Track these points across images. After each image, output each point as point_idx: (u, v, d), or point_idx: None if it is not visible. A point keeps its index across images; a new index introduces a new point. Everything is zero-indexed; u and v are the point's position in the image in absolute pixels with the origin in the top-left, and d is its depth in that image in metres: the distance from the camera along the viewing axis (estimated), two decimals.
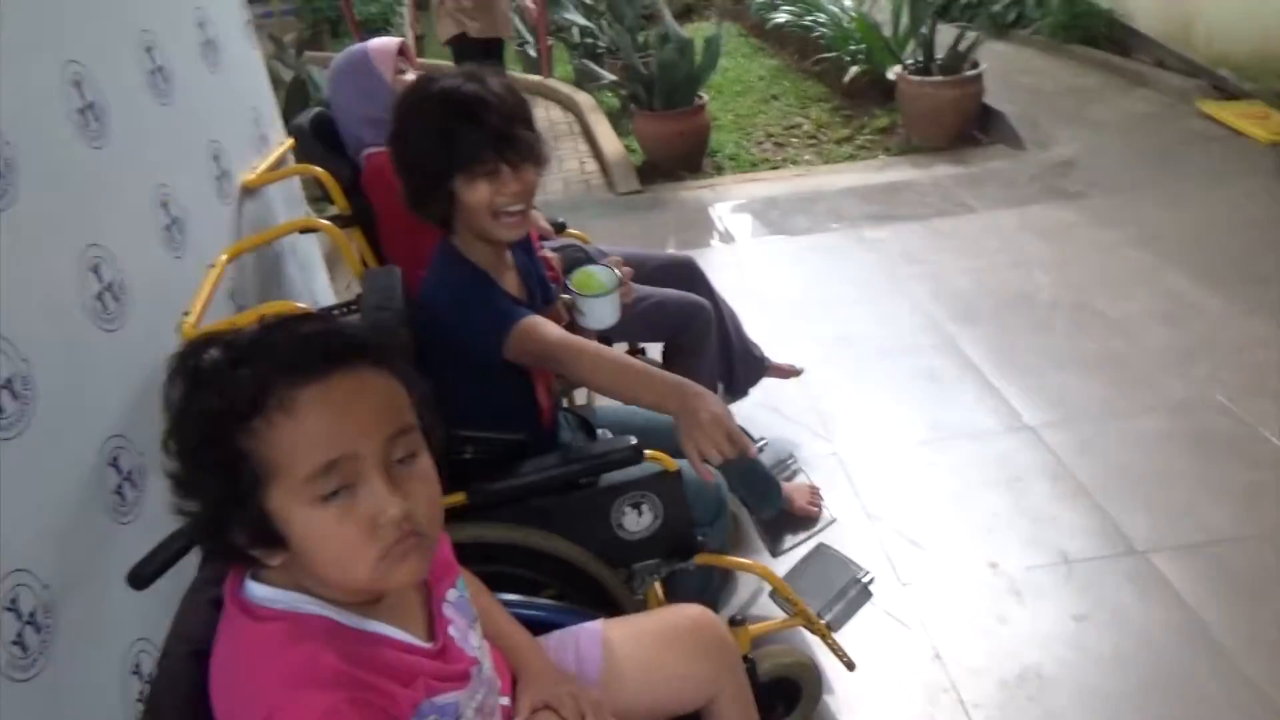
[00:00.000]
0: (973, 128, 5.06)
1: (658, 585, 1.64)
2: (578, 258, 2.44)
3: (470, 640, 1.06)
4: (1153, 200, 4.03)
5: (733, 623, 1.59)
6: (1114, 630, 1.99)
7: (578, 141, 5.96)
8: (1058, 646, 1.96)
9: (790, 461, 2.43)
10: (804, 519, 2.27)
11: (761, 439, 2.49)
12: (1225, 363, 2.85)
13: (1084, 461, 2.50)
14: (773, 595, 1.84)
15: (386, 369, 0.91)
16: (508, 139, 1.50)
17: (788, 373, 2.76)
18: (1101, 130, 4.90)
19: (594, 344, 1.55)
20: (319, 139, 2.44)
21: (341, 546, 0.87)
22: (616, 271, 1.84)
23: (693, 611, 1.30)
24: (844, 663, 1.82)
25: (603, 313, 1.81)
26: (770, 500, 2.12)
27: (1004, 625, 2.03)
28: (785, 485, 2.20)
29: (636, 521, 1.59)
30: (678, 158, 5.13)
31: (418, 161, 1.55)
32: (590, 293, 1.80)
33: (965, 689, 1.89)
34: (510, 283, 1.66)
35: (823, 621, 1.80)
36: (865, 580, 1.91)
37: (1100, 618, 2.02)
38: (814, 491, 2.27)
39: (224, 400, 0.85)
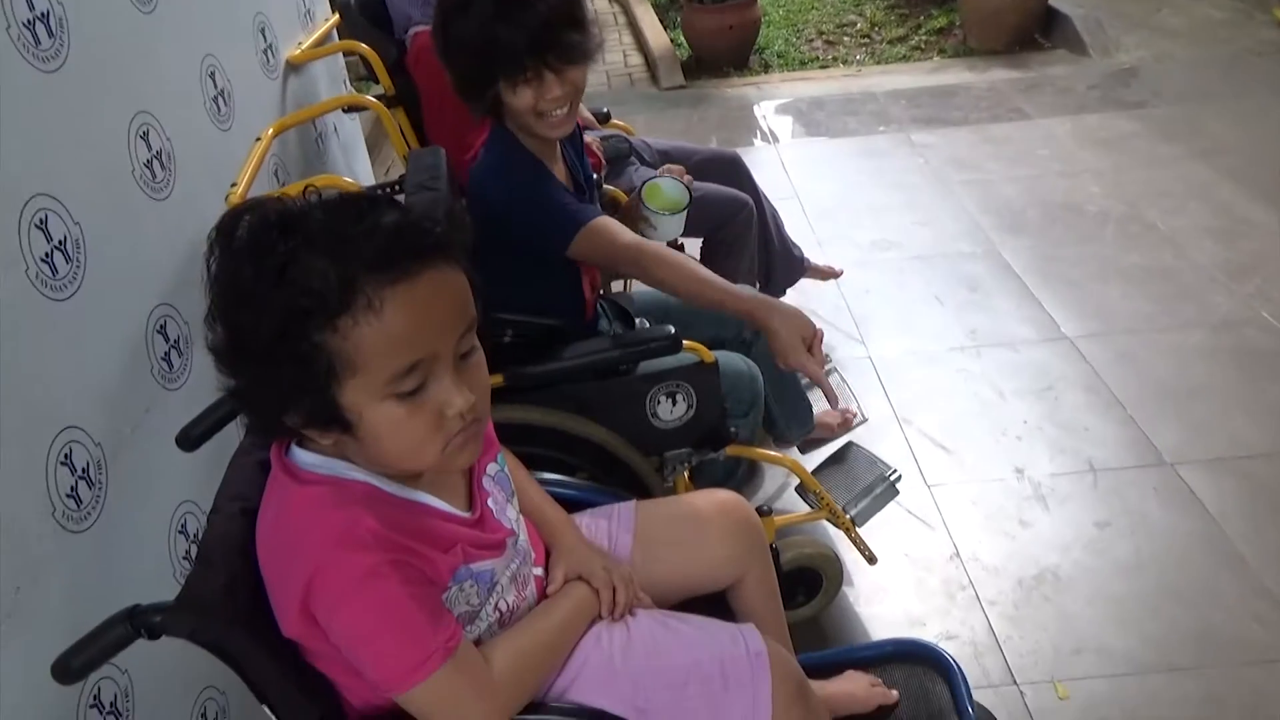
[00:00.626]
0: (1035, 30, 4.86)
1: (686, 473, 1.68)
2: (621, 148, 2.42)
3: (507, 513, 1.10)
4: (1216, 112, 3.88)
5: (759, 512, 1.62)
6: (1135, 538, 2.01)
7: (622, 33, 5.82)
8: (1077, 551, 1.99)
9: (825, 362, 2.44)
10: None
11: None
12: (1275, 280, 2.79)
13: (1119, 373, 2.48)
14: (799, 489, 1.88)
15: (457, 262, 0.91)
16: (551, 44, 1.46)
17: (826, 274, 2.75)
18: (1170, 37, 4.68)
19: (667, 249, 1.57)
20: (366, 16, 2.41)
21: (411, 437, 0.90)
22: (686, 186, 1.87)
23: (723, 495, 1.33)
24: (865, 556, 1.86)
25: (675, 229, 1.85)
26: (801, 420, 2.10)
27: (1025, 529, 2.06)
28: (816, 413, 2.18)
29: (671, 411, 1.62)
30: (725, 53, 4.99)
31: (459, 64, 1.53)
32: (664, 208, 1.82)
33: (982, 586, 1.93)
34: (559, 174, 1.66)
35: (847, 516, 1.83)
36: (892, 478, 1.94)
37: (1122, 525, 2.04)
38: (844, 414, 2.24)
39: (309, 297, 0.82)
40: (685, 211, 1.85)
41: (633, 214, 1.86)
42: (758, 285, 2.46)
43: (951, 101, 4.30)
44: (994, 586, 1.93)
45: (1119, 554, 1.98)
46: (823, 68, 5.02)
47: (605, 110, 2.62)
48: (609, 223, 1.56)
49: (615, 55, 5.44)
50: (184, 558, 1.47)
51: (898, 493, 1.94)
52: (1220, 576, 1.91)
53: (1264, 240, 2.99)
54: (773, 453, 1.86)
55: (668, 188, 1.87)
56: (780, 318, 1.44)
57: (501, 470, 1.13)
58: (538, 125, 1.54)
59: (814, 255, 2.73)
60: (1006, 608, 1.89)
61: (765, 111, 4.45)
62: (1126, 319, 2.70)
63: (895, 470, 1.96)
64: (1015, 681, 1.74)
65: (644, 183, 1.87)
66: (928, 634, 1.84)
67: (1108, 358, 2.55)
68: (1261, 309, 2.67)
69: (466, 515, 1.03)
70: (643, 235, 1.80)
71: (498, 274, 1.48)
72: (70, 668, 0.90)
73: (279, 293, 0.83)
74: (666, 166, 2.11)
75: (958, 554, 2.02)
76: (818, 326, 1.46)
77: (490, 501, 1.08)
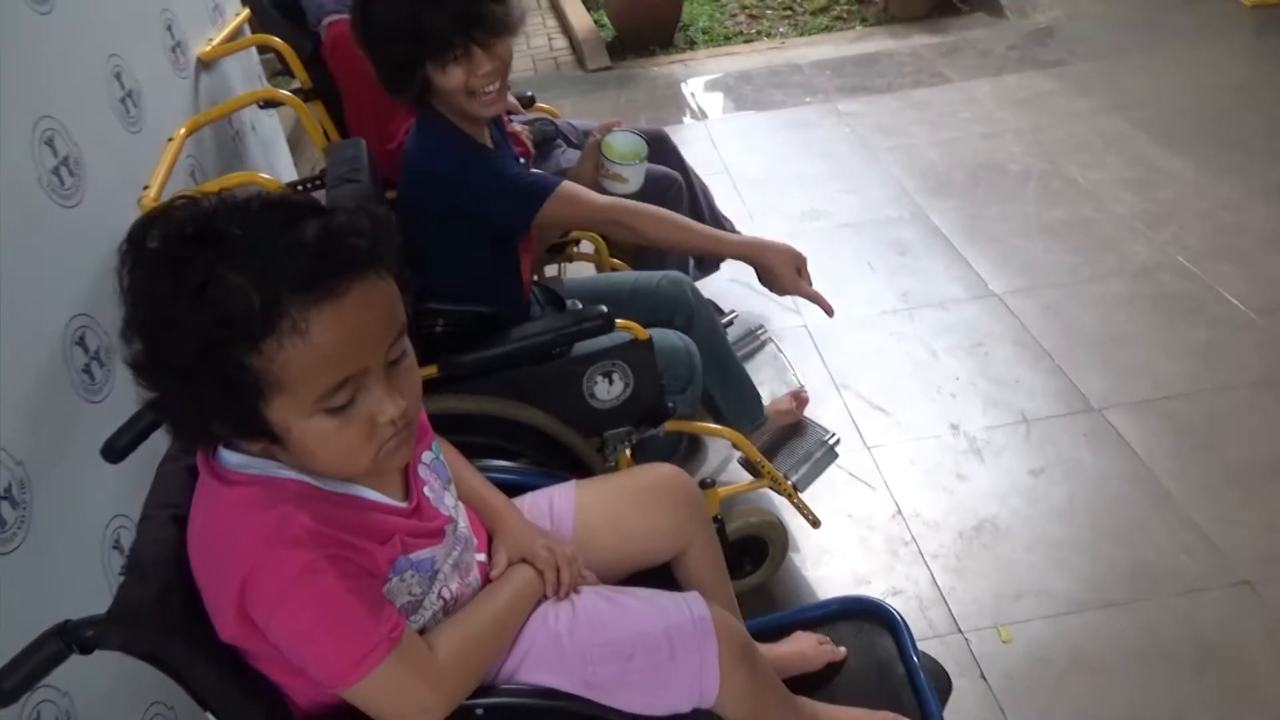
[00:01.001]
0: None
1: (628, 451, 1.69)
2: (547, 131, 2.41)
3: (445, 500, 1.09)
4: (1131, 66, 3.98)
5: (703, 485, 1.63)
6: (1067, 483, 2.08)
7: (545, 17, 5.77)
8: (1014, 500, 2.05)
9: (760, 332, 2.46)
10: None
11: (732, 312, 2.51)
12: (1190, 227, 2.88)
13: (1046, 326, 2.55)
14: (741, 460, 1.90)
15: (386, 270, 0.89)
16: (475, 17, 1.46)
17: None
18: None
19: (646, 205, 1.63)
20: (278, 8, 2.36)
21: (342, 448, 0.89)
22: (635, 133, 1.90)
23: (663, 469, 1.34)
24: (809, 521, 1.89)
25: (641, 177, 1.90)
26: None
27: (963, 482, 2.11)
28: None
29: (608, 390, 1.62)
30: (649, 32, 4.98)
31: (384, 51, 1.52)
32: (629, 158, 1.87)
33: (924, 541, 1.98)
34: None
35: (789, 482, 1.86)
36: (831, 442, 1.97)
37: (1055, 472, 2.11)
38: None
39: (230, 326, 0.79)
40: (647, 158, 1.90)
41: (596, 176, 1.89)
42: (690, 262, 2.48)
43: (875, 69, 4.35)
44: (935, 540, 1.98)
45: (1054, 500, 2.04)
46: (747, 42, 5.04)
47: (529, 94, 2.61)
48: (576, 186, 1.59)
49: (540, 40, 5.39)
50: (120, 573, 1.43)
51: (837, 456, 1.97)
52: (1150, 514, 1.98)
53: (1178, 188, 3.08)
54: (712, 425, 1.88)
55: (622, 140, 1.89)
56: (774, 254, 1.61)
57: (437, 458, 1.13)
58: (470, 105, 1.53)
59: (745, 228, 2.76)
60: (949, 560, 1.94)
61: (693, 88, 4.46)
62: (1051, 272, 2.77)
63: (834, 434, 2.00)
64: (960, 630, 1.79)
65: (600, 142, 1.88)
66: (874, 591, 1.88)
67: (1035, 311, 2.61)
68: (1178, 254, 2.76)
69: (403, 505, 1.02)
70: (611, 193, 1.83)
71: (432, 263, 1.46)
72: (2, 690, 0.88)
73: (199, 314, 0.79)
74: (601, 122, 2.07)
75: (899, 511, 2.06)
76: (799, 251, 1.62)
77: (427, 490, 1.07)
